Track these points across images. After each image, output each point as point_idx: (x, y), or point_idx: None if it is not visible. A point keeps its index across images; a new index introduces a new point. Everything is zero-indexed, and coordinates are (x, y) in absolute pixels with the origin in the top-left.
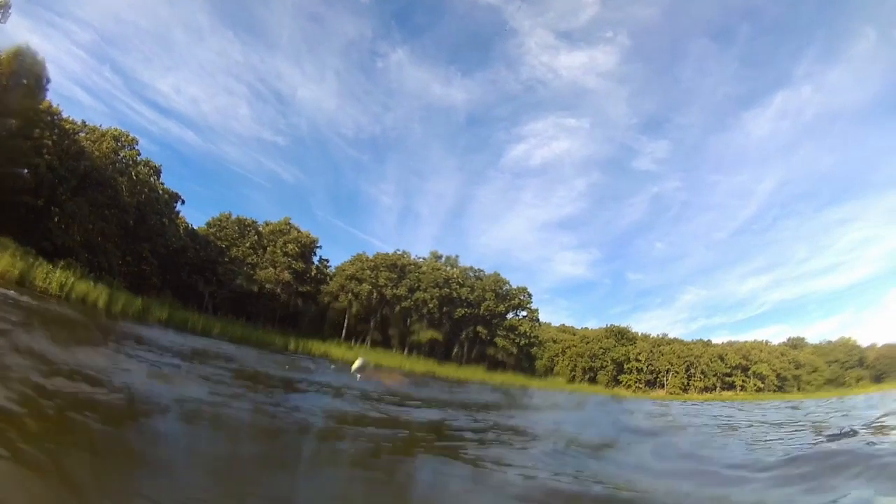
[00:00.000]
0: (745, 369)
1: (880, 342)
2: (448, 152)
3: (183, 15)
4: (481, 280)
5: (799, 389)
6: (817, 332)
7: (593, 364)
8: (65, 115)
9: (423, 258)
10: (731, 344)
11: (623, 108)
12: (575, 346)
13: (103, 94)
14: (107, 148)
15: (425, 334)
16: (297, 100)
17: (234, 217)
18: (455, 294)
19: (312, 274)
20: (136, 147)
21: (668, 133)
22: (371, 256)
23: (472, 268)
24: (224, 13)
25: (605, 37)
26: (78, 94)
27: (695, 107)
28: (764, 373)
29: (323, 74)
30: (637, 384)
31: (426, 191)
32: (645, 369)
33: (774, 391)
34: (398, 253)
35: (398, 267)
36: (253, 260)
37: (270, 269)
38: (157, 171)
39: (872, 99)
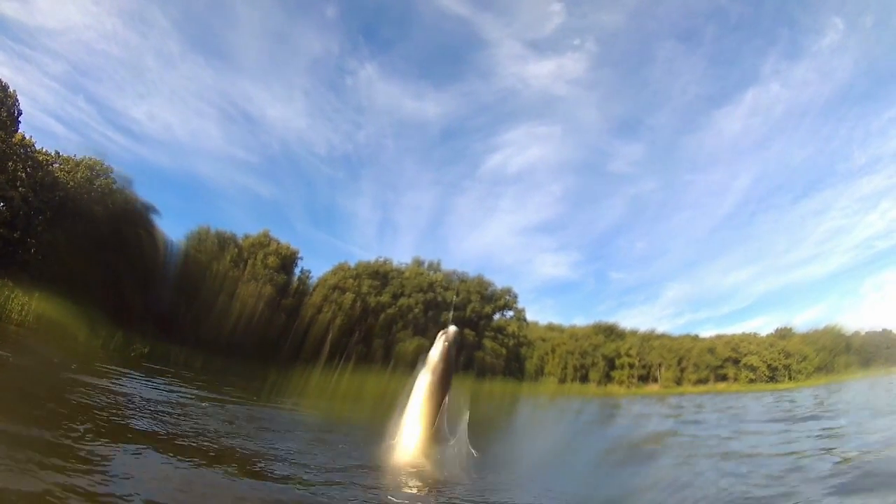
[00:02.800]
0: (735, 361)
1: (864, 328)
2: (424, 166)
3: (154, 43)
4: (465, 282)
5: (790, 378)
6: (803, 320)
7: (584, 361)
8: (39, 147)
9: (406, 264)
10: (719, 337)
11: (594, 113)
12: (564, 344)
13: (78, 123)
14: (81, 178)
15: (412, 343)
16: (266, 120)
17: (213, 231)
18: (440, 298)
19: (295, 287)
20: (111, 176)
21: (642, 135)
22: (353, 265)
23: (455, 271)
24: (194, 39)
25: (572, 44)
26: (52, 125)
27: (666, 108)
28: (755, 364)
29: (291, 94)
30: (630, 379)
31: (404, 203)
32: (637, 364)
33: (766, 381)
34: (380, 260)
35: (381, 274)
36: (234, 274)
37: (252, 282)
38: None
39: (840, 89)
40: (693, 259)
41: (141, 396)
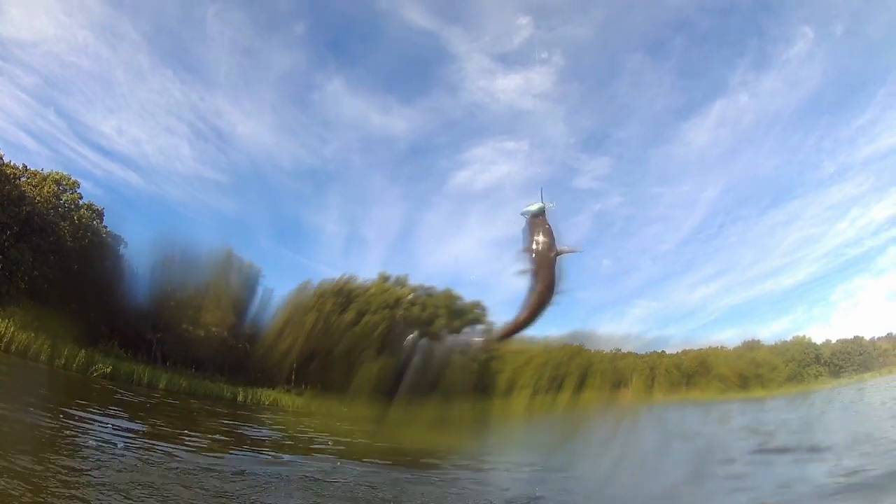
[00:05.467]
0: (705, 370)
1: (835, 337)
2: (391, 181)
3: (124, 55)
4: (433, 297)
5: (763, 387)
6: (771, 332)
7: (558, 372)
8: (6, 160)
9: (372, 280)
10: (685, 353)
11: (561, 127)
12: (538, 356)
13: (48, 137)
14: (48, 192)
15: (377, 363)
16: (236, 136)
17: (177, 259)
18: (406, 313)
19: (258, 310)
20: (78, 190)
21: (609, 149)
22: (316, 285)
23: (422, 285)
24: (164, 52)
25: (539, 58)
26: (23, 138)
27: (633, 121)
28: (725, 374)
29: (260, 109)
30: (602, 388)
31: (371, 218)
32: (609, 370)
33: (738, 390)
34: (344, 278)
35: (345, 292)
36: (198, 302)
37: (216, 310)
38: (100, 215)
39: (809, 98)
40: (660, 275)
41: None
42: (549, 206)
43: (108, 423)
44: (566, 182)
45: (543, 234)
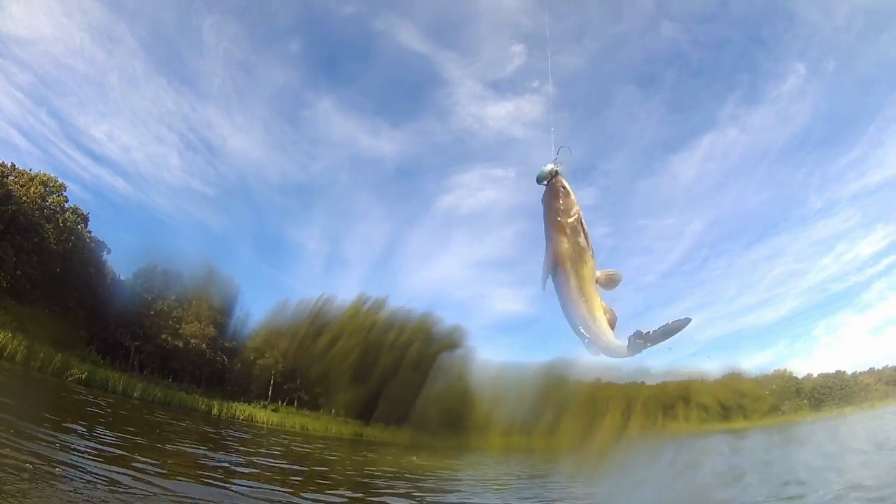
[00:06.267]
0: (686, 400)
1: (817, 371)
2: (377, 200)
3: (119, 61)
4: (409, 321)
5: (745, 417)
6: (754, 364)
7: (533, 409)
8: None
9: (351, 301)
10: (664, 385)
11: (550, 156)
12: (513, 392)
13: (39, 137)
14: (34, 193)
15: (351, 391)
16: (226, 149)
17: (160, 269)
18: (381, 340)
19: (237, 328)
20: (64, 193)
21: (596, 180)
22: (294, 305)
23: (401, 308)
24: (159, 60)
25: (531, 86)
26: (14, 136)
27: (622, 153)
28: (707, 403)
29: (251, 124)
30: (574, 430)
31: (354, 235)
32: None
33: (719, 420)
34: (322, 299)
35: (321, 316)
36: (178, 313)
37: (196, 323)
38: (85, 219)
39: (798, 134)
40: (642, 307)
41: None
42: (558, 164)
43: (57, 440)
44: None
45: (562, 204)
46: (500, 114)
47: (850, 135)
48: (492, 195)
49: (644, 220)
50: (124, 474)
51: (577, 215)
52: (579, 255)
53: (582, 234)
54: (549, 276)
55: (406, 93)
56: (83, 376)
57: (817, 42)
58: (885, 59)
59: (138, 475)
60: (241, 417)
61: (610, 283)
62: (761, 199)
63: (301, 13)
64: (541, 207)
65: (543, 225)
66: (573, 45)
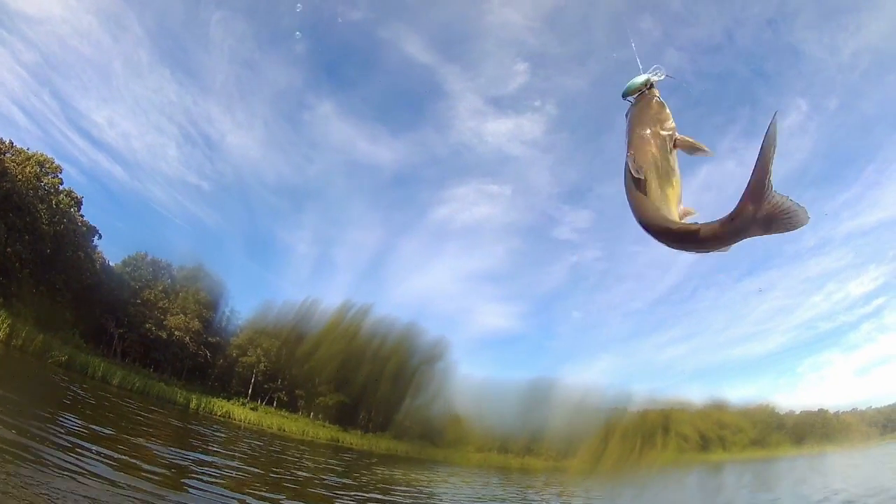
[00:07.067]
0: (665, 429)
1: (800, 407)
2: (371, 207)
3: (125, 48)
4: (393, 331)
5: (724, 449)
6: (738, 395)
7: (504, 432)
8: None
9: (335, 306)
10: (645, 413)
11: (546, 176)
12: (493, 409)
13: (40, 117)
14: (30, 172)
15: (332, 396)
16: (225, 145)
17: (149, 258)
18: (362, 350)
19: (222, 324)
20: (60, 175)
21: (591, 203)
22: (279, 306)
23: (385, 317)
24: (164, 51)
25: (532, 105)
26: (15, 113)
27: (619, 177)
28: (687, 433)
29: (252, 122)
30: (549, 453)
31: (345, 240)
32: (558, 438)
33: (698, 451)
34: (307, 303)
35: (305, 320)
36: (164, 305)
37: (181, 315)
38: (78, 203)
39: (796, 170)
40: (629, 333)
41: None
42: (657, 76)
43: (15, 423)
44: (545, 231)
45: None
46: (500, 130)
47: (848, 174)
48: (486, 211)
49: (637, 247)
50: (70, 463)
51: (671, 131)
52: (667, 173)
53: (673, 154)
54: (630, 190)
55: (407, 102)
56: (64, 359)
57: (821, 79)
58: (888, 100)
59: (84, 465)
60: (219, 413)
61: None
62: None
63: (308, 15)
64: (623, 123)
65: (627, 138)
66: (576, 66)
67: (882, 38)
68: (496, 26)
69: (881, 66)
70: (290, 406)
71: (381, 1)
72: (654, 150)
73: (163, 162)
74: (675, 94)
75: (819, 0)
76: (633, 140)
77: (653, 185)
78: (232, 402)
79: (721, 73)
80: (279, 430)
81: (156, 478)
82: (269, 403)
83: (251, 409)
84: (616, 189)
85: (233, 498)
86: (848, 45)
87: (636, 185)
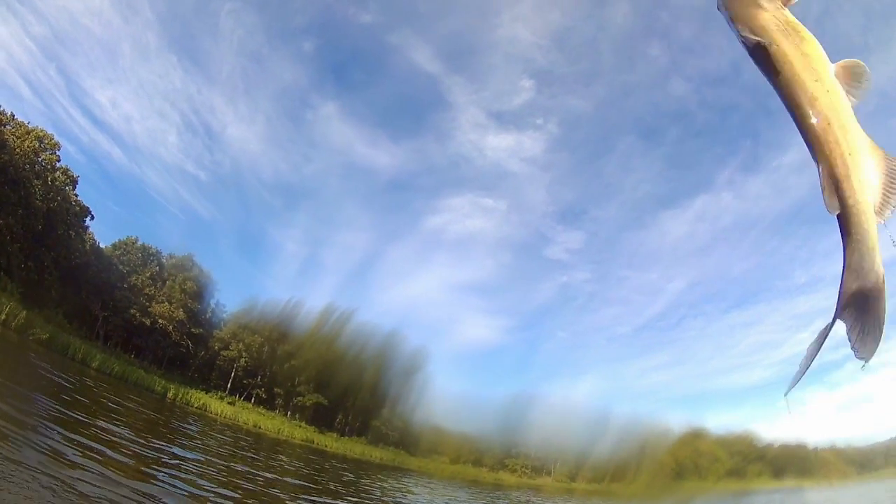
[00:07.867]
0: (640, 457)
1: (779, 440)
2: (364, 210)
3: (134, 30)
4: (374, 338)
5: (700, 478)
6: (719, 422)
7: (480, 445)
8: None
9: (318, 309)
10: (623, 440)
11: (542, 195)
12: (469, 423)
13: (44, 92)
14: (28, 147)
15: (310, 397)
16: (225, 137)
17: (139, 243)
18: (342, 355)
19: (207, 316)
20: (58, 152)
21: (584, 225)
22: (264, 303)
23: (367, 323)
24: (172, 37)
25: (535, 123)
26: (20, 85)
27: (615, 201)
28: (662, 459)
29: (254, 116)
30: (523, 469)
31: (335, 242)
32: (533, 455)
33: (672, 479)
34: (291, 303)
35: (289, 319)
36: (150, 291)
37: (166, 303)
38: (74, 182)
39: (792, 207)
40: (613, 356)
41: None
42: None
43: None
44: (537, 249)
45: None
46: (500, 145)
47: None
48: (479, 224)
49: (627, 272)
50: (33, 443)
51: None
52: (793, 29)
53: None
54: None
55: (410, 109)
56: (45, 337)
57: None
58: (890, 143)
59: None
60: (196, 405)
61: (852, 78)
62: (747, 267)
63: (319, 15)
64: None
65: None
66: (582, 87)
67: (889, 81)
68: (505, 41)
69: (885, 110)
70: (268, 404)
71: (392, 6)
72: (767, 14)
73: (162, 148)
74: (677, 124)
75: (829, 43)
76: (737, 13)
77: (784, 46)
78: (210, 394)
79: (725, 106)
80: (255, 426)
81: (118, 464)
82: (248, 399)
83: (229, 403)
84: (611, 213)
85: (194, 490)
86: None
87: (766, 62)
